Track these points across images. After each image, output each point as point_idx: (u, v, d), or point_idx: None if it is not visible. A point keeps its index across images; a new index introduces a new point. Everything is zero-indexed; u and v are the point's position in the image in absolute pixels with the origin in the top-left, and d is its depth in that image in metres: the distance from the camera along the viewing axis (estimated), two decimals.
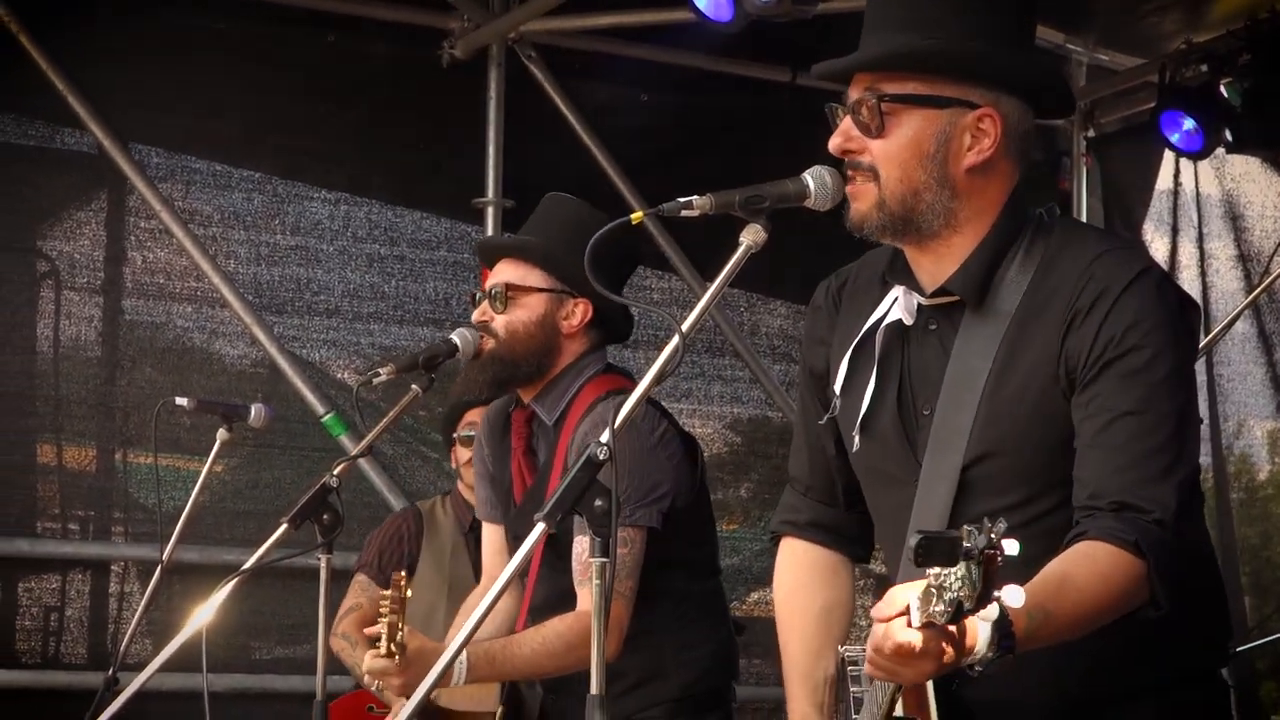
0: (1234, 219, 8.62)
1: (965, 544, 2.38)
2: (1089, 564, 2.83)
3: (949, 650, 2.55)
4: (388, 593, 4.23)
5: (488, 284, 4.64)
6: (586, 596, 4.32)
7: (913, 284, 3.16)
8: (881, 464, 3.20)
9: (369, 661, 4.25)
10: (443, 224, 8.12)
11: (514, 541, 4.64)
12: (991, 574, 2.39)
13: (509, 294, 4.56)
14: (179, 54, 7.53)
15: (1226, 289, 8.57)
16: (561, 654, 4.33)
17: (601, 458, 2.91)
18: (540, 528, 2.93)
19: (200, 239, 7.63)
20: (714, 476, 8.51)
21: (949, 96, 3.07)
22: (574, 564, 4.37)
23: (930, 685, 2.92)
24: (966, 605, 2.41)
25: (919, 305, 3.16)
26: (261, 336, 7.66)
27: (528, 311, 4.55)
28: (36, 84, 7.34)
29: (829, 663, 3.31)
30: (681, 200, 3.07)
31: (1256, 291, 7.61)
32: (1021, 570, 2.86)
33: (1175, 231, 8.65)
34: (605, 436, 2.93)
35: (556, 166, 8.07)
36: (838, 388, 3.24)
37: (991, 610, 2.44)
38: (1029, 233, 3.12)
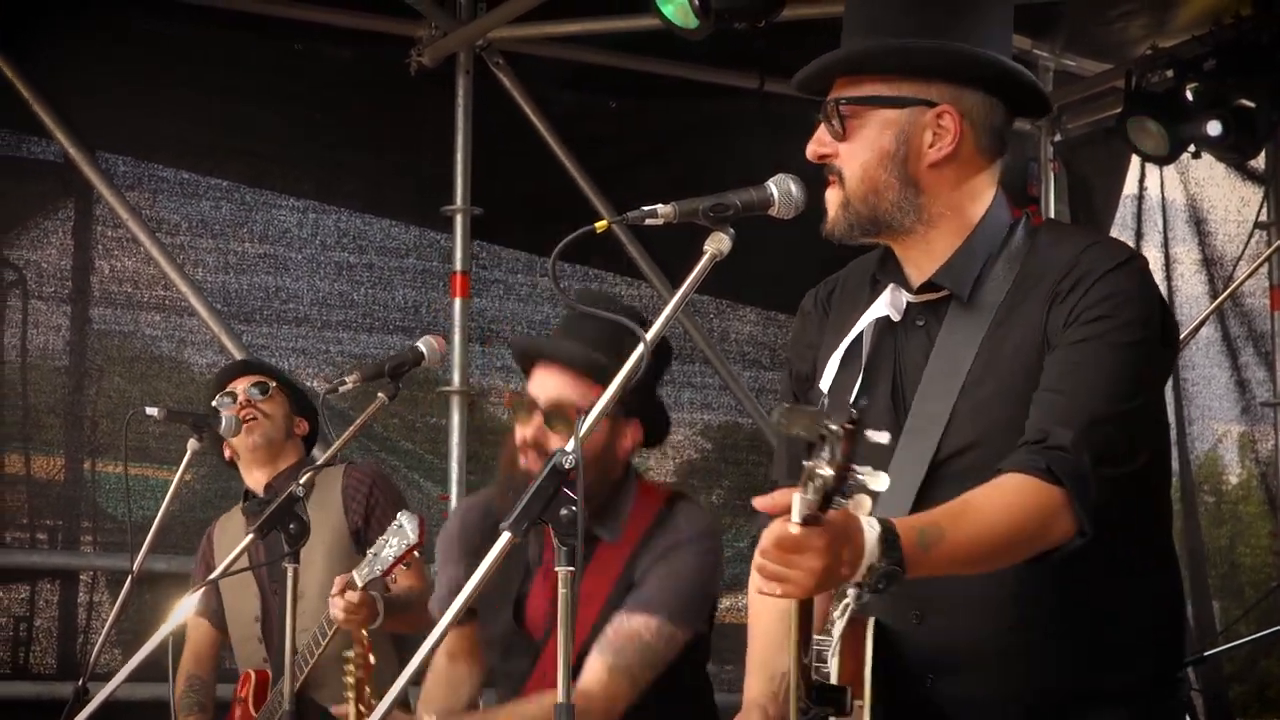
0: (1198, 223, 8.67)
1: (825, 420, 2.45)
2: (992, 490, 2.88)
3: (836, 547, 2.61)
4: (350, 653, 4.27)
5: (547, 402, 4.19)
6: (598, 666, 4.07)
7: (902, 281, 3.21)
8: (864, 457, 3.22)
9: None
10: (411, 231, 8.09)
11: (512, 657, 4.32)
12: (849, 448, 2.45)
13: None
14: (146, 62, 7.50)
15: (1191, 293, 8.62)
16: None
17: (567, 466, 2.91)
18: (506, 537, 2.92)
19: (168, 247, 7.61)
20: (684, 483, 8.51)
21: (907, 96, 3.11)
22: (609, 631, 4.13)
23: (869, 655, 2.94)
24: (830, 485, 2.49)
25: (907, 302, 3.20)
26: (230, 345, 7.63)
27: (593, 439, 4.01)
28: (2, 92, 7.30)
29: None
30: (646, 209, 3.08)
31: (1222, 296, 7.64)
32: (1009, 573, 2.89)
33: (1140, 236, 8.69)
34: (571, 445, 2.92)
35: (524, 174, 8.07)
36: (825, 386, 3.27)
37: (864, 502, 2.54)
38: (1016, 230, 3.17)
